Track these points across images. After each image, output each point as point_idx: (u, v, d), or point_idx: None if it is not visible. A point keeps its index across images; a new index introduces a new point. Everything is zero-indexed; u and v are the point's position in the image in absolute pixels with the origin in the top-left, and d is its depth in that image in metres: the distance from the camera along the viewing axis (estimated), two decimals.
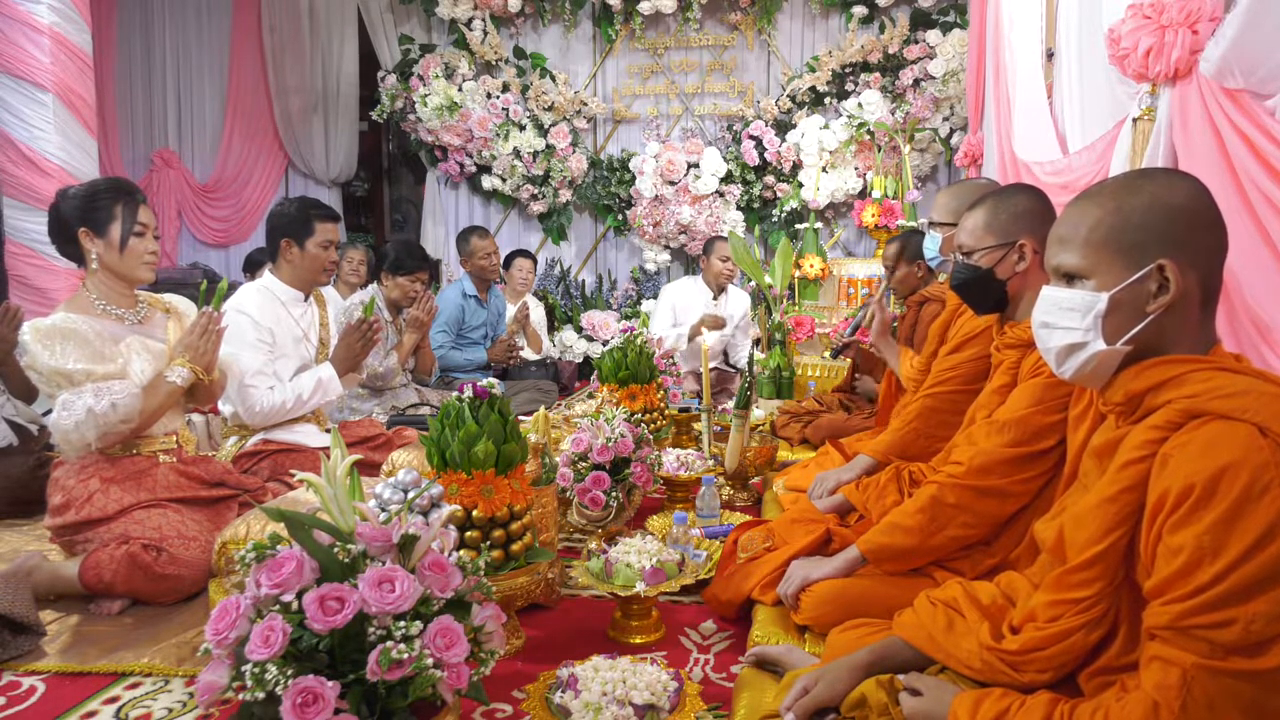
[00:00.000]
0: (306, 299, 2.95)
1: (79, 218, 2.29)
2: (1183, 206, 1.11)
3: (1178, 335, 1.13)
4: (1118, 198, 1.14)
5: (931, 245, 2.46)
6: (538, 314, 5.57)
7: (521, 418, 2.00)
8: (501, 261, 5.12)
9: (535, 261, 5.71)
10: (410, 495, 1.58)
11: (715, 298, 4.99)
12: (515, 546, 1.80)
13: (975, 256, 1.85)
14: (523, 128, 6.23)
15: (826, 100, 6.10)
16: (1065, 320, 1.17)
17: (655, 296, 6.32)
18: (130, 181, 2.41)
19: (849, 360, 3.91)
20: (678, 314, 5.01)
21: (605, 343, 6.00)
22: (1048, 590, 1.18)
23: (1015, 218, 1.82)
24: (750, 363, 3.27)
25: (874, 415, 3.28)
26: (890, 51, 5.87)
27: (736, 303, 5.13)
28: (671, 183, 6.08)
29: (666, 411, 3.23)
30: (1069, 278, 1.18)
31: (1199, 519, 0.98)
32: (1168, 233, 1.11)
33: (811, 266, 4.98)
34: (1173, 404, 1.08)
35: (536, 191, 6.36)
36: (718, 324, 4.76)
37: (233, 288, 2.71)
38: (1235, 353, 1.15)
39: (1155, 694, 0.99)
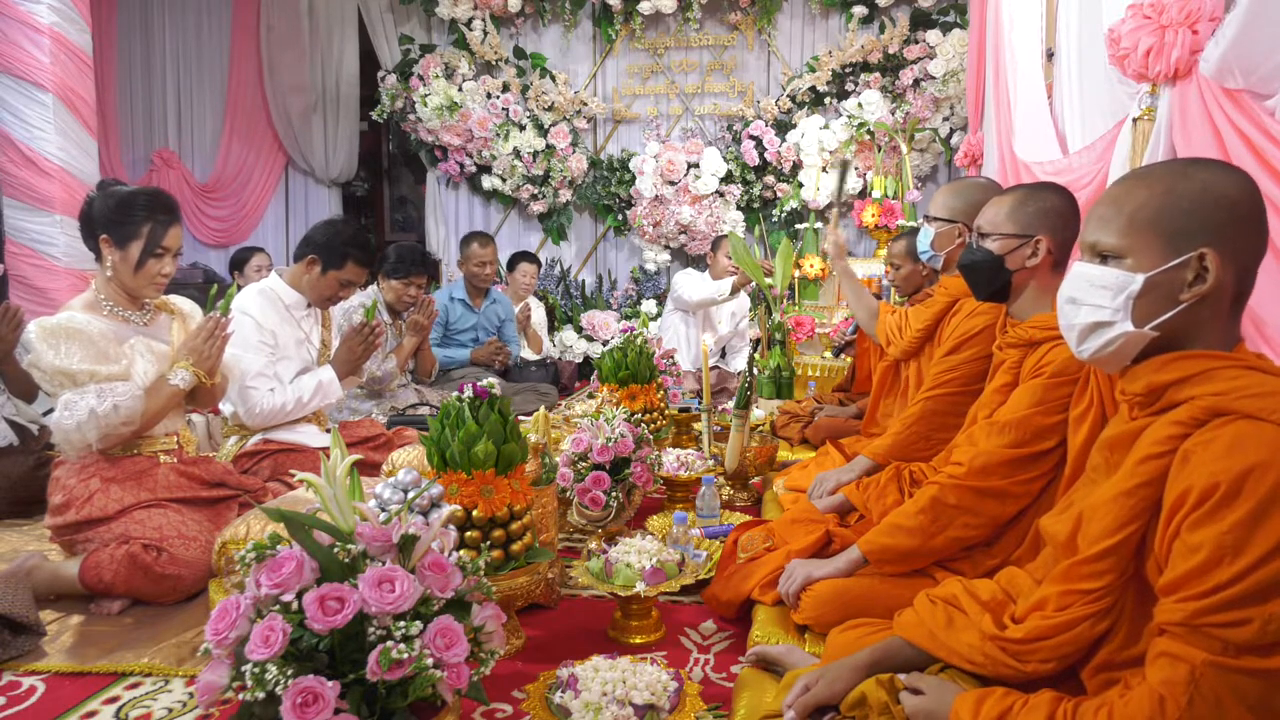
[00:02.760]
0: (309, 304, 2.95)
1: (104, 223, 2.27)
2: (1233, 199, 1.10)
3: (1205, 328, 1.11)
4: (1169, 180, 1.12)
5: (924, 240, 2.46)
6: (539, 315, 5.57)
7: (521, 418, 2.00)
8: (497, 271, 5.09)
9: (539, 265, 5.70)
10: (410, 495, 1.58)
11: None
12: (515, 546, 1.80)
13: (989, 241, 1.84)
14: (523, 128, 6.23)
15: (826, 100, 6.10)
16: (1095, 298, 1.15)
17: (655, 296, 6.34)
18: (170, 199, 2.36)
19: (849, 360, 3.91)
20: (704, 281, 5.11)
21: (605, 343, 6.00)
22: (1057, 581, 1.17)
23: (1040, 214, 1.81)
24: (750, 363, 3.27)
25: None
26: (890, 51, 5.87)
27: (736, 302, 5.17)
28: (671, 183, 6.08)
29: (666, 411, 3.23)
30: (1103, 256, 1.16)
31: (1222, 518, 0.97)
32: (1214, 223, 1.09)
33: (811, 266, 4.98)
34: (1196, 400, 1.06)
35: (536, 191, 6.36)
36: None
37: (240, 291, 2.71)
38: (1256, 352, 1.13)
39: (1162, 689, 0.99)
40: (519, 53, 6.38)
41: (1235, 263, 1.10)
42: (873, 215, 5.16)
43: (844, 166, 4.12)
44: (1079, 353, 1.19)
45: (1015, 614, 1.24)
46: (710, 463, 2.90)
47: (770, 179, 6.15)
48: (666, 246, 6.36)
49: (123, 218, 2.27)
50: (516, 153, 6.22)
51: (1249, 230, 1.11)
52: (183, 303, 2.53)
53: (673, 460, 2.82)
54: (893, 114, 5.85)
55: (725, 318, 5.27)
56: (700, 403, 3.10)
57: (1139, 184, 1.15)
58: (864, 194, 5.86)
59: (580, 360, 6.01)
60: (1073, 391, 1.68)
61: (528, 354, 5.29)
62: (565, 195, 6.40)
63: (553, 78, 6.34)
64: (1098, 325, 1.15)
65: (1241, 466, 0.97)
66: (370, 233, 8.02)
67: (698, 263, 6.21)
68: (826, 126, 5.91)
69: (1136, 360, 1.15)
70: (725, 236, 5.09)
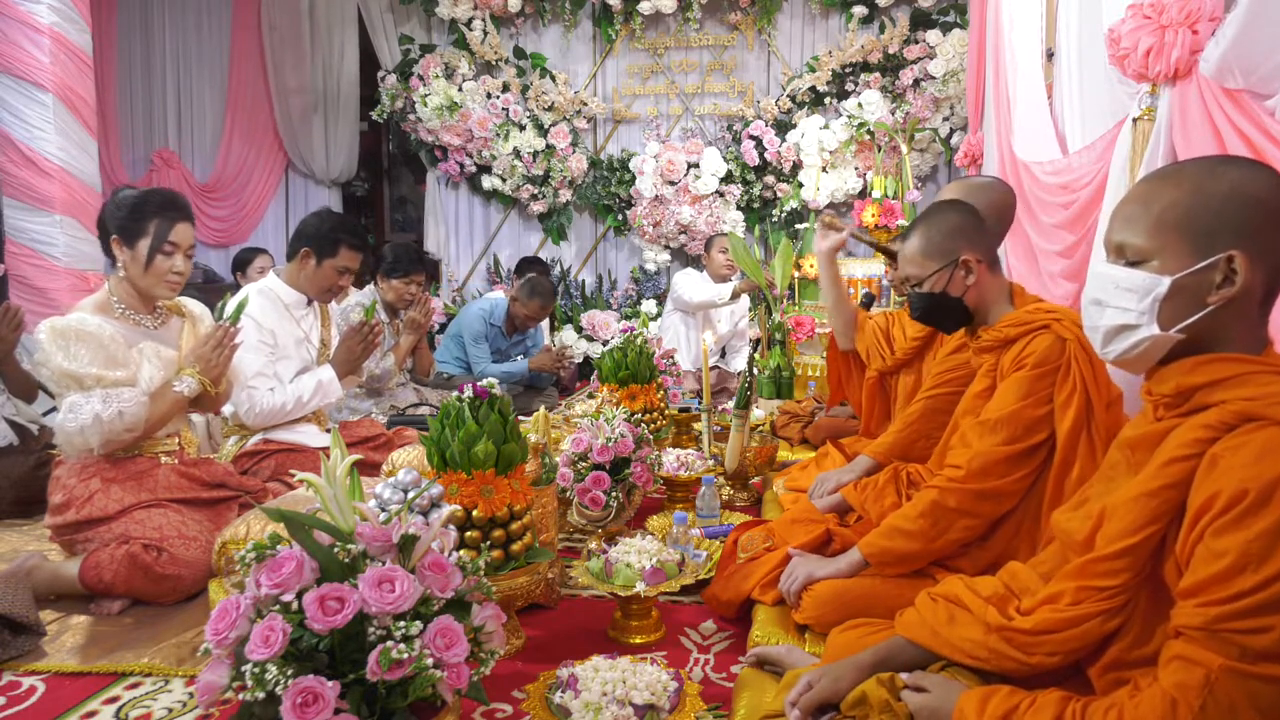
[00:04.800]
0: (310, 302, 2.95)
1: (115, 224, 2.28)
2: (1263, 200, 1.07)
3: (1232, 330, 1.10)
4: (1197, 180, 1.11)
5: None
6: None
7: (521, 418, 2.00)
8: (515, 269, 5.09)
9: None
10: (410, 495, 1.58)
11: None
12: (515, 546, 1.80)
13: (926, 284, 1.91)
14: (523, 128, 6.23)
15: (826, 100, 6.10)
16: (1120, 300, 1.13)
17: (655, 296, 6.34)
18: (179, 198, 2.37)
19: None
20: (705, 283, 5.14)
21: (605, 343, 6.00)
22: (1071, 577, 1.17)
23: (949, 236, 1.88)
24: (750, 363, 3.27)
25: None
26: (890, 51, 5.87)
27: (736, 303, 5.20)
28: (671, 183, 6.08)
29: (666, 411, 3.23)
30: (1129, 257, 1.14)
31: (1249, 525, 0.96)
32: (1243, 224, 1.07)
33: (812, 266, 4.97)
34: (1227, 404, 1.05)
35: (536, 191, 6.36)
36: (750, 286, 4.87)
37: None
38: None
39: (1174, 692, 0.98)
40: (519, 53, 6.38)
41: (1264, 264, 1.08)
42: (873, 215, 5.15)
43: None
44: (1104, 354, 1.18)
45: (1022, 607, 1.23)
46: (710, 463, 2.90)
47: (770, 179, 6.15)
48: (666, 246, 6.36)
49: (132, 216, 2.27)
50: (516, 153, 6.22)
51: (1277, 231, 1.08)
52: (193, 305, 2.53)
53: (673, 460, 2.82)
54: (893, 114, 5.85)
55: (725, 316, 5.28)
56: (700, 403, 3.10)
57: (1166, 183, 1.13)
58: (864, 194, 5.86)
59: (580, 360, 6.01)
60: (1056, 381, 1.71)
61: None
62: (565, 195, 6.40)
63: (553, 78, 6.34)
64: (1123, 328, 1.13)
65: (1272, 474, 0.96)
66: (370, 233, 8.07)
67: (697, 262, 6.20)
68: (826, 126, 5.91)
69: (1163, 361, 1.14)
70: (720, 235, 5.12)
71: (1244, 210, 1.07)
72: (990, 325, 1.88)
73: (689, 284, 5.09)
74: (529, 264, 5.74)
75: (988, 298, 1.90)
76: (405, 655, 1.13)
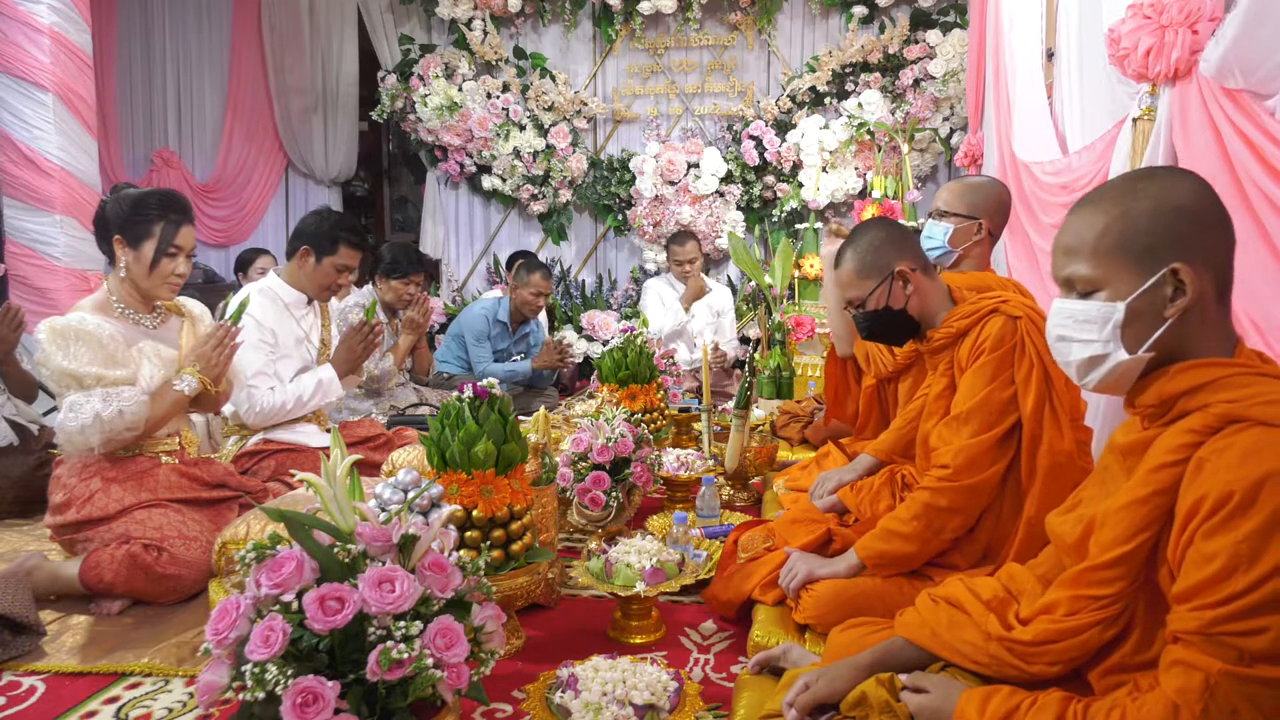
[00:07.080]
0: (310, 301, 2.96)
1: (119, 224, 2.28)
2: (1187, 207, 1.09)
3: (1199, 335, 1.11)
4: (1121, 203, 1.12)
5: (939, 234, 2.41)
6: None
7: (522, 418, 2.00)
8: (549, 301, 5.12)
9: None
10: (410, 495, 1.58)
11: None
12: (515, 546, 1.80)
13: (869, 303, 1.92)
14: (523, 128, 6.23)
15: (826, 100, 6.10)
16: (1083, 333, 1.14)
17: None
18: (182, 199, 2.38)
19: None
20: (665, 304, 5.21)
21: (605, 343, 6.00)
22: (1067, 586, 1.17)
23: (878, 251, 1.89)
24: (750, 363, 3.27)
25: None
26: (890, 51, 5.87)
27: (710, 296, 5.24)
28: (671, 183, 6.08)
29: (666, 411, 3.23)
30: (1079, 288, 1.15)
31: (1237, 526, 0.96)
32: (1176, 236, 1.08)
33: (811, 266, 4.97)
34: (1210, 408, 1.06)
35: (536, 191, 6.36)
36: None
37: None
38: (1257, 351, 1.12)
39: (1176, 697, 0.98)
40: (519, 53, 6.38)
41: (1209, 267, 1.09)
42: (873, 215, 5.15)
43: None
44: (1083, 385, 1.19)
45: (1021, 615, 1.23)
46: (710, 463, 2.90)
47: (770, 179, 6.15)
48: (666, 246, 6.36)
49: (136, 218, 2.27)
50: (516, 153, 6.22)
51: (1212, 232, 1.10)
52: (193, 305, 2.53)
53: (673, 460, 2.82)
54: (893, 114, 5.85)
55: (693, 317, 5.24)
56: (700, 403, 3.10)
57: (1094, 210, 1.14)
58: (864, 194, 5.86)
59: (580, 360, 6.01)
60: (1014, 358, 1.74)
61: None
62: (565, 195, 6.40)
63: (553, 78, 6.34)
64: (1093, 359, 1.14)
65: (1257, 475, 0.96)
66: (370, 233, 8.06)
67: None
68: (826, 126, 5.91)
69: (1140, 377, 1.15)
70: (673, 237, 5.22)
71: (1175, 223, 1.09)
72: (937, 327, 1.90)
73: (654, 317, 5.08)
74: (518, 255, 5.74)
75: (930, 303, 1.91)
76: (405, 655, 1.13)
